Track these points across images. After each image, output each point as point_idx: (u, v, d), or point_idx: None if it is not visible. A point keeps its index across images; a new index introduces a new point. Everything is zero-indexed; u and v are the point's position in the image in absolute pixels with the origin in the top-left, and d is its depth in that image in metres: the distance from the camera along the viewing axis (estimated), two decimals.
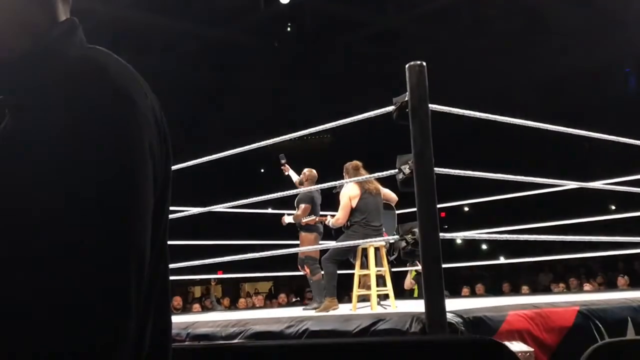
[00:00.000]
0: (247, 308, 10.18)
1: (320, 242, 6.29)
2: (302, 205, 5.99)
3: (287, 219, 6.20)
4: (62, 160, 0.78)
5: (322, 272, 5.95)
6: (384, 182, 5.21)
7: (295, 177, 6.54)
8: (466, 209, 13.85)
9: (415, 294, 8.83)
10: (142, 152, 0.83)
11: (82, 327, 0.74)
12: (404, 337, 2.70)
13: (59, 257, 0.75)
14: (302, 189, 5.92)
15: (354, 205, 5.31)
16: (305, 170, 6.29)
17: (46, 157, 0.79)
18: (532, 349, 3.07)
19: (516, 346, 3.07)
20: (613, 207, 12.24)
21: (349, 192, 5.34)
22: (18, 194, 0.78)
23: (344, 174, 5.50)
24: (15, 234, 0.77)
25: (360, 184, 5.28)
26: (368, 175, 5.00)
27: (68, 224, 0.76)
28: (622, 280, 10.41)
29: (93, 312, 0.75)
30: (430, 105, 3.51)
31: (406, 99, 3.52)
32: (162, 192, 0.91)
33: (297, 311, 5.69)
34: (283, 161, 6.45)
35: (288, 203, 6.47)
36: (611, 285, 10.84)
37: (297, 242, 6.33)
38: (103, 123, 0.80)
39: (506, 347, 1.17)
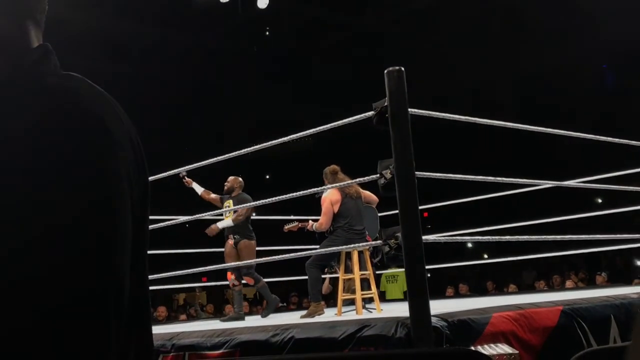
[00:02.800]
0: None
1: (304, 247, 6.29)
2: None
3: (221, 224, 6.19)
4: (37, 190, 0.77)
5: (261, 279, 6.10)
6: (367, 185, 5.22)
7: (199, 190, 6.51)
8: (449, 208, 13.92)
9: (388, 296, 8.91)
10: (118, 180, 0.83)
11: None
12: (387, 351, 2.70)
13: (33, 288, 0.75)
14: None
15: (335, 210, 5.33)
16: (230, 178, 6.36)
17: (20, 187, 0.78)
18: (517, 351, 3.09)
19: (501, 348, 3.08)
20: (599, 201, 12.36)
21: (330, 197, 5.35)
22: None
23: (323, 178, 5.51)
24: None
25: (341, 188, 5.29)
26: (349, 181, 5.01)
27: (45, 254, 0.76)
28: (600, 278, 10.52)
29: (71, 345, 0.74)
30: (409, 109, 3.52)
31: (385, 104, 3.53)
32: (141, 215, 0.91)
33: (282, 318, 5.68)
34: (183, 174, 6.32)
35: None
36: (593, 282, 10.94)
37: (284, 247, 6.34)
38: (78, 153, 0.80)
39: (485, 356, 1.18)
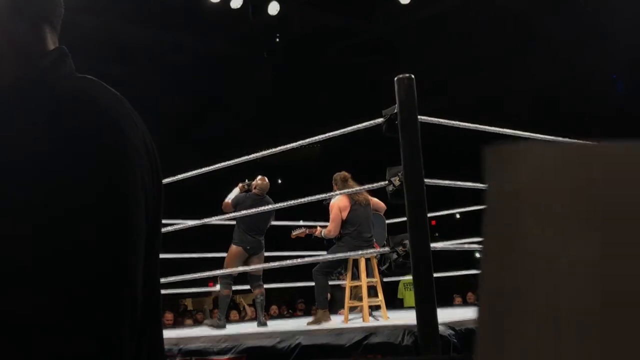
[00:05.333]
0: (239, 320, 10.14)
1: (312, 253, 6.27)
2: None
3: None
4: (52, 193, 0.78)
5: (230, 289, 5.95)
6: (375, 192, 5.22)
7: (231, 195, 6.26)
8: (457, 216, 13.89)
9: (406, 304, 8.87)
10: (134, 184, 0.83)
11: None
12: (395, 358, 2.70)
13: (49, 301, 0.75)
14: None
15: (344, 217, 5.32)
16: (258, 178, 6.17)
17: (35, 190, 0.78)
18: None
19: None
20: None
21: (339, 203, 5.34)
22: (8, 224, 0.78)
23: (333, 184, 5.51)
24: (6, 263, 0.77)
25: (350, 196, 5.29)
26: (358, 188, 5.01)
27: (60, 256, 0.76)
28: None
29: (86, 350, 0.75)
30: (419, 117, 3.53)
31: (395, 111, 3.54)
32: (155, 220, 0.91)
33: (289, 325, 5.68)
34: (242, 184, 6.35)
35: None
36: None
37: (291, 253, 6.33)
38: (94, 156, 0.81)
39: None
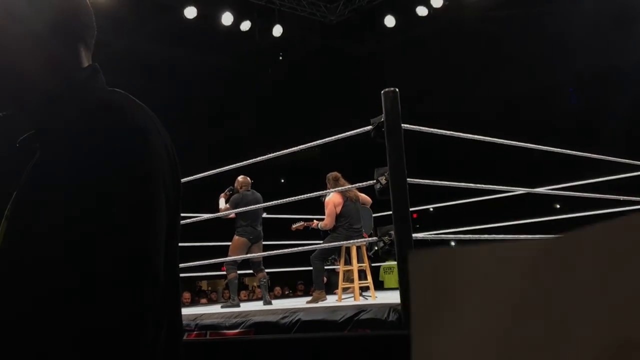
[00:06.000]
0: (247, 299, 10.14)
1: (310, 242, 6.27)
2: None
3: (220, 202, 6.00)
4: (87, 190, 0.78)
5: (236, 272, 5.93)
6: (363, 188, 5.24)
7: (221, 205, 6.16)
8: (431, 209, 13.90)
9: (386, 285, 8.88)
10: (157, 182, 0.84)
11: (104, 338, 0.74)
12: (381, 332, 2.70)
13: (81, 285, 0.75)
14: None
15: (338, 211, 5.35)
16: (239, 177, 6.08)
17: (73, 188, 0.79)
18: None
19: None
20: (557, 206, 12.35)
21: (333, 200, 5.36)
22: (49, 219, 0.78)
23: (326, 182, 5.51)
24: (42, 264, 0.77)
25: (343, 193, 5.31)
26: (349, 186, 5.02)
27: (94, 245, 0.76)
28: None
29: (114, 325, 0.75)
30: (403, 124, 3.53)
31: (382, 119, 3.54)
32: (174, 216, 0.91)
33: (290, 303, 5.68)
34: (227, 191, 6.20)
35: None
36: None
37: (292, 242, 6.32)
38: (122, 157, 0.81)
39: None
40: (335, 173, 5.50)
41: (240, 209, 5.69)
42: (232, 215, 5.97)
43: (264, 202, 5.86)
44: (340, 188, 5.10)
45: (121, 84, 0.97)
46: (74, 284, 0.75)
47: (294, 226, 6.12)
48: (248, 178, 6.11)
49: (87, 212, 0.77)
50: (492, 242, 0.36)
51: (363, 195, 5.78)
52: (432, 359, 0.34)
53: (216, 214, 5.95)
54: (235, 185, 6.09)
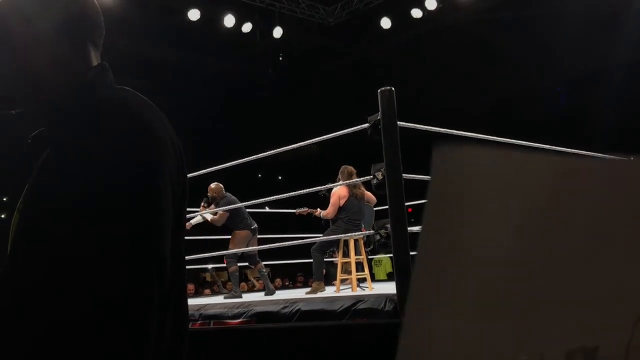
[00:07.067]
0: (248, 290, 10.15)
1: (310, 235, 6.27)
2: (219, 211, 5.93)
3: (194, 221, 6.00)
4: (96, 184, 0.78)
5: (237, 265, 5.94)
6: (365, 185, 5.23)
7: (209, 217, 6.12)
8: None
9: (377, 277, 8.91)
10: (163, 175, 0.83)
11: (109, 326, 0.73)
12: (379, 320, 2.70)
13: (90, 262, 0.75)
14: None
15: (341, 204, 5.32)
16: (212, 185, 6.06)
17: (82, 182, 0.78)
18: None
19: None
20: None
21: (339, 192, 5.34)
22: (58, 212, 0.78)
23: (339, 174, 5.40)
24: (54, 241, 0.77)
25: (350, 188, 5.28)
26: (356, 180, 4.99)
27: (101, 233, 0.76)
28: None
29: (120, 313, 0.74)
30: (398, 122, 3.53)
31: (378, 117, 3.54)
32: (180, 209, 0.91)
33: (290, 294, 5.68)
34: (203, 203, 6.14)
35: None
36: None
37: (292, 235, 6.33)
38: (130, 152, 0.81)
39: None
40: (351, 168, 5.39)
41: (229, 207, 5.74)
42: (224, 220, 5.99)
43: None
44: (347, 182, 5.07)
45: (124, 85, 0.97)
46: (81, 266, 0.74)
47: (297, 211, 6.11)
48: (220, 184, 6.10)
49: (95, 203, 0.77)
50: (523, 149, 0.33)
51: (369, 194, 5.75)
52: (436, 276, 0.33)
53: (218, 222, 5.98)
54: (212, 193, 6.06)
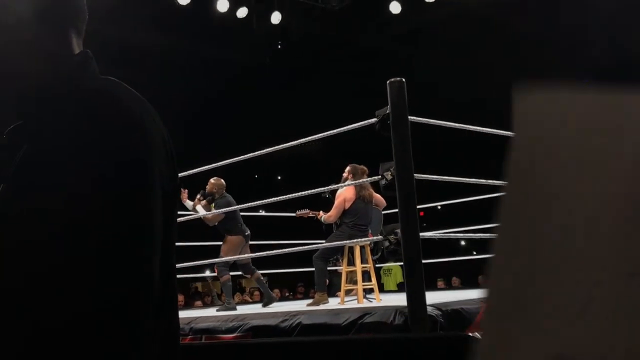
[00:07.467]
0: (241, 302, 10.15)
1: (311, 241, 6.27)
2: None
3: (198, 209, 6.01)
4: (83, 183, 0.78)
5: (229, 274, 5.96)
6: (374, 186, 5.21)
7: (189, 204, 6.21)
8: (439, 207, 13.90)
9: (386, 288, 8.92)
10: (152, 172, 0.84)
11: (109, 326, 0.76)
12: (388, 335, 2.70)
13: (88, 262, 0.76)
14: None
15: (347, 207, 5.28)
16: (212, 180, 6.12)
17: (63, 180, 0.79)
18: None
19: None
20: None
21: (345, 194, 5.30)
22: (37, 212, 0.79)
23: (346, 173, 5.37)
24: (34, 246, 0.78)
25: (356, 189, 5.25)
26: (364, 180, 4.95)
27: (84, 237, 0.77)
28: None
29: (119, 313, 0.76)
30: (410, 117, 3.53)
31: (387, 111, 3.54)
32: (171, 207, 0.91)
33: (290, 306, 5.69)
34: (199, 196, 6.18)
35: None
36: None
37: (292, 241, 6.33)
38: (117, 147, 0.81)
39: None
40: (363, 167, 5.38)
41: (227, 209, 5.73)
42: (217, 221, 6.00)
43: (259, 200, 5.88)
44: (354, 182, 5.01)
45: (109, 74, 0.97)
46: (80, 266, 0.77)
47: (298, 212, 6.11)
48: (222, 180, 6.14)
49: (83, 202, 0.77)
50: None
51: (378, 196, 5.70)
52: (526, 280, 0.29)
53: (210, 222, 5.98)
54: (211, 188, 6.10)
